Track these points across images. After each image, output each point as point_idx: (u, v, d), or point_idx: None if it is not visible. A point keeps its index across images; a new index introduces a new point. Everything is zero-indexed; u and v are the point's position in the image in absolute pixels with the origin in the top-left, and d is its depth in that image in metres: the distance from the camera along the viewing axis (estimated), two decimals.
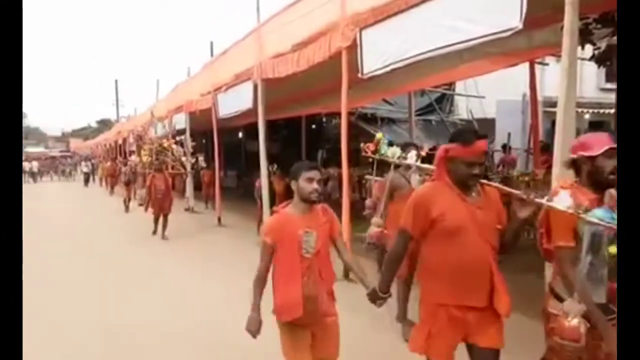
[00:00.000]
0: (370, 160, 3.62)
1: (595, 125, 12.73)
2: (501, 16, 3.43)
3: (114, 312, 5.30)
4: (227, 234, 10.14)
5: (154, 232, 9.80)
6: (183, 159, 12.54)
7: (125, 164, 16.69)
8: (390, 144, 3.50)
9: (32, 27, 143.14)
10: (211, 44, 13.36)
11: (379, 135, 3.54)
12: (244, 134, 18.90)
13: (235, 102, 9.06)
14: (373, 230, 4.26)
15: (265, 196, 8.36)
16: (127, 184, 14.60)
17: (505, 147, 11.25)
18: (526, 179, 6.69)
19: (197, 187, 14.21)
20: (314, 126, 16.38)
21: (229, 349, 4.16)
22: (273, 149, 15.11)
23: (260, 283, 2.66)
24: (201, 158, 13.27)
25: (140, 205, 11.24)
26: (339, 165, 6.56)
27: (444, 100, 14.41)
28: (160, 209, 9.52)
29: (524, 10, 3.23)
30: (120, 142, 26.33)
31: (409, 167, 3.86)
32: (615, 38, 6.31)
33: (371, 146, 3.42)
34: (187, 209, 13.31)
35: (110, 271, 7.18)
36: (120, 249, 8.94)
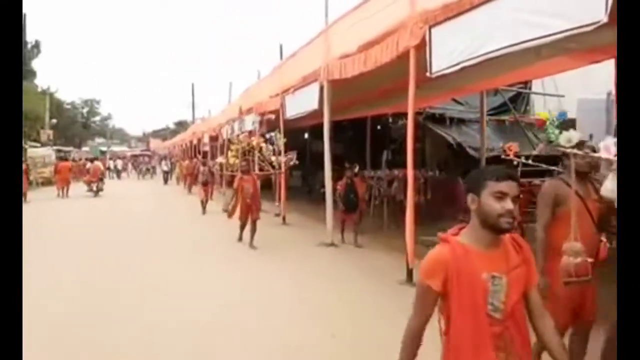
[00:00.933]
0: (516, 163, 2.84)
1: None
2: (584, 9, 3.20)
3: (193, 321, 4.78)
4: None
5: (240, 239, 8.77)
6: (272, 158, 10.73)
7: (204, 164, 16.46)
8: (564, 125, 2.64)
9: (116, 36, 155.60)
10: (280, 47, 13.68)
11: (543, 114, 2.81)
12: (309, 135, 19.18)
13: (302, 103, 9.24)
14: (571, 262, 2.62)
15: (328, 198, 8.44)
16: (205, 184, 14.21)
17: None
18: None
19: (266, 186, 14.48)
20: (379, 127, 16.23)
21: None
22: (337, 149, 15.21)
23: (413, 344, 1.81)
24: (292, 156, 11.23)
25: (225, 211, 9.91)
26: (405, 167, 6.46)
27: (519, 99, 13.67)
28: (248, 214, 8.45)
29: (610, 1, 2.98)
30: (195, 142, 27.80)
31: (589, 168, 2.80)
32: None
33: (513, 147, 2.70)
34: (278, 215, 11.80)
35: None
36: (205, 257, 8.06)
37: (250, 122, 13.30)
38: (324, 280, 6.43)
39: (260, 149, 10.58)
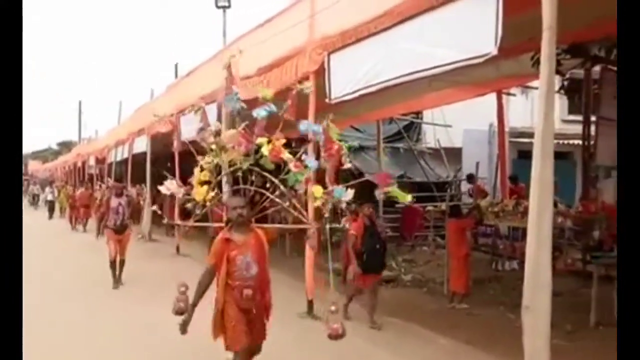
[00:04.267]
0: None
1: (560, 156, 13.04)
2: (475, 42, 3.31)
3: None
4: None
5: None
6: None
7: (119, 193, 8.39)
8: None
9: None
10: (176, 65, 13.04)
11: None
12: None
13: (200, 124, 8.71)
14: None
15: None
16: (121, 230, 7.90)
17: (472, 177, 11.27)
18: (495, 209, 6.60)
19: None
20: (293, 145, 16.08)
21: None
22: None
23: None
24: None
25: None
26: None
27: (412, 128, 14.49)
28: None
29: (499, 36, 3.11)
30: (79, 164, 25.29)
31: None
32: (582, 71, 6.45)
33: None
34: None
35: None
36: None
37: (143, 144, 12.34)
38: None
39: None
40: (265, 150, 3.35)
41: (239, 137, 3.41)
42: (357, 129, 13.65)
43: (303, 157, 3.49)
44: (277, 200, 3.46)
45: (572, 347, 4.82)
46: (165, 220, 7.21)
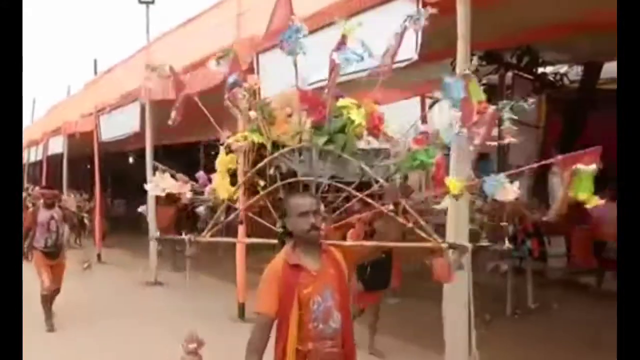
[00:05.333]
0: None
1: (481, 157, 13.88)
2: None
3: None
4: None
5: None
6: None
7: (50, 204, 5.92)
8: None
9: None
10: (95, 61, 12.25)
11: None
12: (135, 160, 17.54)
13: (121, 124, 8.26)
14: None
15: (152, 230, 7.59)
16: (53, 254, 5.79)
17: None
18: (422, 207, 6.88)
19: None
20: (214, 152, 15.66)
21: None
22: None
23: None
24: None
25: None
26: None
27: None
28: None
29: (419, 42, 3.23)
30: None
31: None
32: (497, 76, 6.91)
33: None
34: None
35: None
36: None
37: (59, 145, 11.44)
38: (149, 325, 5.60)
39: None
40: (356, 115, 2.08)
41: (300, 98, 2.16)
42: None
43: (422, 127, 2.16)
44: (369, 201, 2.12)
45: (491, 335, 5.14)
46: (155, 236, 5.23)
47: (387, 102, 9.19)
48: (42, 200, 5.87)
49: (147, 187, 2.59)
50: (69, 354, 4.92)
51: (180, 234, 2.51)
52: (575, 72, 7.00)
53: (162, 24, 6.98)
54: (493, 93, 7.43)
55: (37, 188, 9.90)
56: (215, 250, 9.73)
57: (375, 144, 2.20)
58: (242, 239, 3.49)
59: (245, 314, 5.57)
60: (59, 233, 5.65)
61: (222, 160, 2.36)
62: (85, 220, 10.39)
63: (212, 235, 2.35)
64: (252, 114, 2.21)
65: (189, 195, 2.40)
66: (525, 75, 6.41)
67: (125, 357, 4.83)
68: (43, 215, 5.59)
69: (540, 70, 6.45)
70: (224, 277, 7.42)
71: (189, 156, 15.43)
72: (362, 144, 2.22)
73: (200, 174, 2.47)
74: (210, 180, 2.37)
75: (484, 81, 6.90)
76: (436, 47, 3.98)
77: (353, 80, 5.44)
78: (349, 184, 2.20)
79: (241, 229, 3.81)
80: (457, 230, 3.21)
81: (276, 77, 4.83)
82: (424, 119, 9.32)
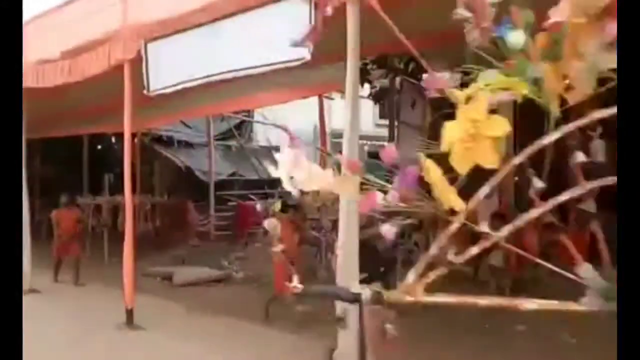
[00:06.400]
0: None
1: (373, 156, 14.68)
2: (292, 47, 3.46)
3: None
4: None
5: None
6: None
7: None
8: None
9: None
10: None
11: None
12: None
13: None
14: None
15: (26, 233, 6.77)
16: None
17: None
18: (317, 204, 7.08)
19: None
20: (99, 147, 14.52)
21: None
22: (47, 172, 12.76)
23: None
24: None
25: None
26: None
27: (243, 126, 14.58)
28: None
29: (312, 45, 3.31)
30: None
31: None
32: (387, 80, 7.35)
33: None
34: None
35: None
36: None
37: None
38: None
39: None
40: None
41: None
42: (186, 125, 13.14)
43: None
44: None
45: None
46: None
47: (287, 100, 9.35)
48: None
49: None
50: None
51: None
52: (455, 78, 7.70)
53: (35, 3, 6.23)
54: (385, 94, 7.93)
55: None
56: (101, 254, 9.04)
57: None
58: None
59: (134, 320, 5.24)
60: None
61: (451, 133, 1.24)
62: None
63: None
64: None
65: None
66: (412, 80, 6.91)
67: None
68: None
69: (425, 76, 7.00)
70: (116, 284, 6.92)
71: (71, 150, 14.09)
72: None
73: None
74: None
75: (376, 84, 7.31)
76: (330, 50, 4.10)
77: (259, 79, 5.42)
78: None
79: None
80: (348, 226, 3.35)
81: (166, 67, 4.64)
82: (321, 118, 9.50)
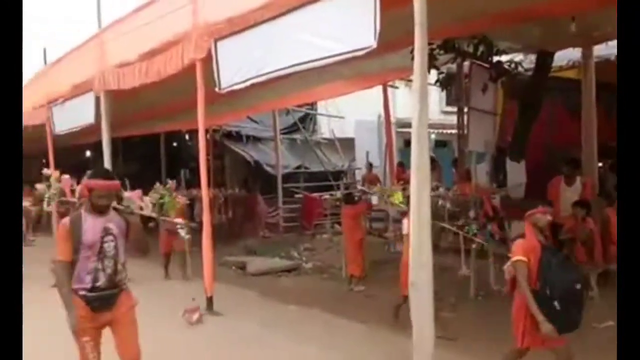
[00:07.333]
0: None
1: (440, 145, 14.21)
2: (356, 35, 3.42)
3: None
4: None
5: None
6: None
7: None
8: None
9: None
10: (44, 50, 11.58)
11: None
12: (91, 153, 16.88)
13: (75, 116, 7.90)
14: None
15: None
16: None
17: (371, 166, 11.72)
18: (385, 195, 6.96)
19: None
20: (175, 144, 15.35)
21: None
22: (128, 168, 13.71)
23: None
24: None
25: None
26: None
27: (307, 119, 14.70)
28: None
29: (378, 30, 3.24)
30: None
31: None
32: (455, 65, 7.04)
33: None
34: None
35: None
36: None
37: None
38: None
39: None
40: None
41: None
42: (253, 120, 13.49)
43: None
44: None
45: (456, 317, 5.31)
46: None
47: (351, 91, 9.29)
48: (84, 201, 3.29)
49: None
50: None
51: None
52: (529, 61, 7.22)
53: (113, 10, 6.68)
54: (453, 80, 7.60)
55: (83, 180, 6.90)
56: None
57: None
58: None
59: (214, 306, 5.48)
60: (118, 261, 3.09)
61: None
62: None
63: None
64: None
65: None
66: (482, 63, 6.56)
67: None
68: (92, 227, 3.01)
69: (496, 59, 6.61)
70: (197, 273, 7.30)
71: (149, 148, 15.01)
72: None
73: None
74: None
75: (443, 69, 7.02)
76: (395, 36, 4.01)
77: (321, 71, 5.42)
78: None
79: None
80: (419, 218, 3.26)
81: (235, 64, 4.77)
82: (386, 108, 9.37)
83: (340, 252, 8.17)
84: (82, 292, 2.98)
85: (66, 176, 6.52)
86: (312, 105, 14.25)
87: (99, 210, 3.03)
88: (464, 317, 5.35)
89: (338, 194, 10.11)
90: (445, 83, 7.17)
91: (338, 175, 13.27)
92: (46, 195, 6.90)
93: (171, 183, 5.39)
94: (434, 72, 6.37)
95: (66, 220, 3.06)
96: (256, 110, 11.29)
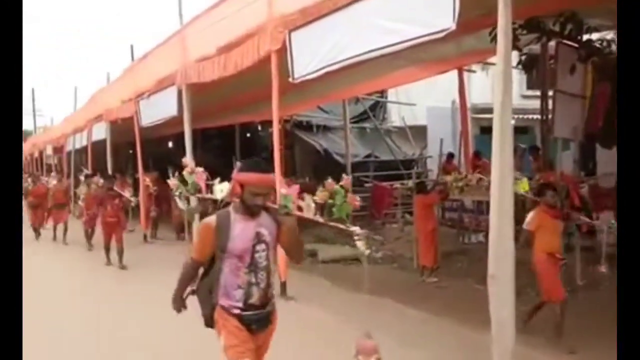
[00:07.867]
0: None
1: (520, 131, 13.39)
2: (435, 17, 3.30)
3: None
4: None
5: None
6: None
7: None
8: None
9: None
10: (131, 47, 12.49)
11: None
12: (173, 144, 17.97)
13: (159, 109, 8.44)
14: None
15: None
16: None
17: (451, 156, 11.20)
18: (460, 184, 6.74)
19: None
20: (248, 134, 15.90)
21: None
22: (205, 159, 14.44)
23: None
24: None
25: None
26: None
27: (377, 107, 14.54)
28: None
29: (457, 10, 3.10)
30: (36, 155, 24.12)
31: None
32: (538, 46, 6.56)
33: None
34: None
35: None
36: None
37: (102, 131, 11.85)
38: None
39: None
40: None
41: None
42: (323, 110, 13.59)
43: None
44: None
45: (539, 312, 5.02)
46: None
47: (424, 77, 9.00)
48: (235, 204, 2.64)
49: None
50: None
51: None
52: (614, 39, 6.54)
53: (194, 6, 7.00)
54: (536, 64, 7.10)
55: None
56: None
57: None
58: None
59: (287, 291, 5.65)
60: (270, 272, 2.66)
61: None
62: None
63: None
64: None
65: None
66: (570, 43, 6.05)
67: None
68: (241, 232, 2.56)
69: (586, 37, 6.06)
70: None
71: (224, 139, 15.69)
72: None
73: None
74: None
75: (525, 51, 6.57)
76: (473, 16, 3.82)
77: (392, 57, 5.24)
78: None
79: None
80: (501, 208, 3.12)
81: (308, 54, 4.82)
82: (461, 93, 8.99)
83: (410, 242, 8.07)
84: (237, 311, 2.51)
85: (200, 169, 5.62)
86: (382, 93, 14.05)
87: (252, 212, 2.49)
88: (546, 315, 5.06)
89: (409, 183, 9.95)
90: (528, 65, 6.70)
91: (409, 164, 13.01)
92: (178, 191, 5.97)
93: (346, 179, 3.98)
94: (515, 53, 5.98)
95: (211, 219, 2.57)
96: (327, 100, 11.34)
